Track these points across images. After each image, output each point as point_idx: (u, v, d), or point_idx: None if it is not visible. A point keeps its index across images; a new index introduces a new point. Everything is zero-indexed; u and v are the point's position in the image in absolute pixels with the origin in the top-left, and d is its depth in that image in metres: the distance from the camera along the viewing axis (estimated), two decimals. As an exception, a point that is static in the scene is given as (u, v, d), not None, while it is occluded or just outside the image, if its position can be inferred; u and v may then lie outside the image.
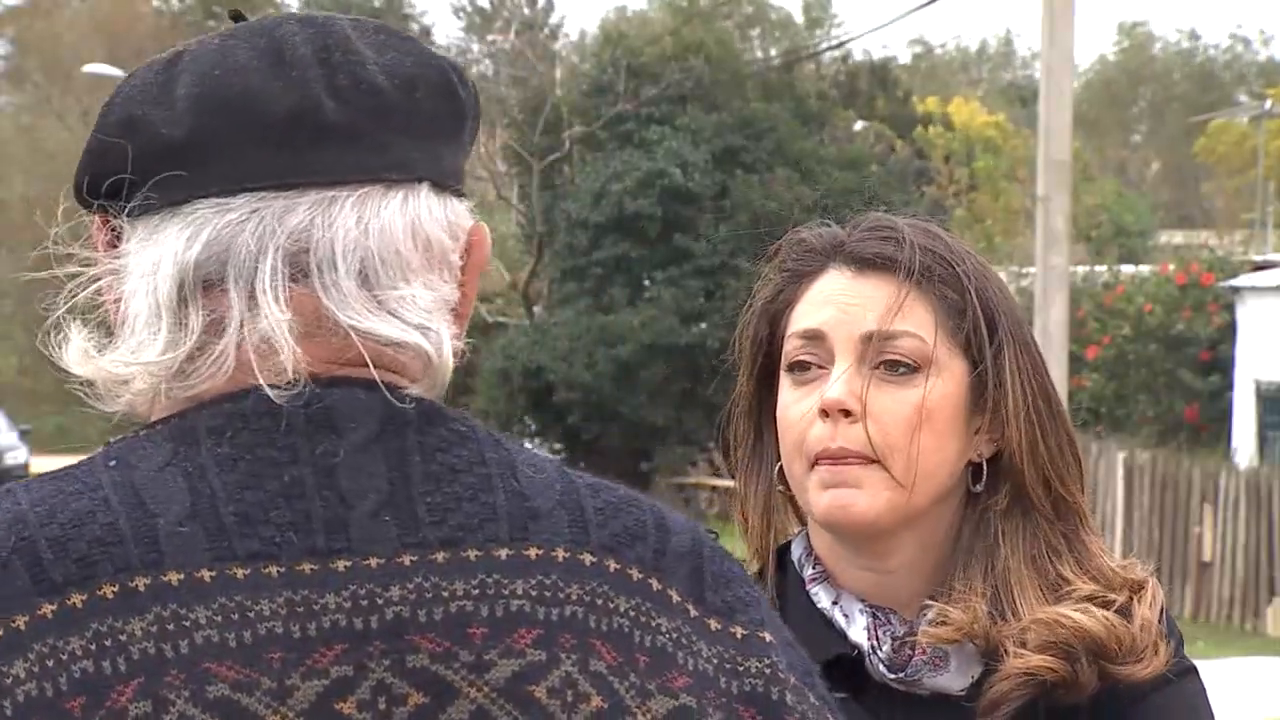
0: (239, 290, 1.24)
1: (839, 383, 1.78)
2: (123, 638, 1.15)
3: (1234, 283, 22.40)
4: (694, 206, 28.18)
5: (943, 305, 1.80)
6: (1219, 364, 22.36)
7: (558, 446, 29.64)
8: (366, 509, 1.21)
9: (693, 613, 1.27)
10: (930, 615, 1.81)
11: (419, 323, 1.27)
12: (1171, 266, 24.42)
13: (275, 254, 1.24)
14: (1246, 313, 22.01)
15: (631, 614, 1.24)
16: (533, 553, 1.23)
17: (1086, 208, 33.01)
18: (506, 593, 1.21)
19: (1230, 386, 22.19)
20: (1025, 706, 1.77)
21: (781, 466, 1.86)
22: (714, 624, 1.27)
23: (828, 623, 1.84)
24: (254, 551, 1.18)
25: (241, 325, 1.24)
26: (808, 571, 1.87)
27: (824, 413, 1.78)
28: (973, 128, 35.73)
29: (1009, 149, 35.47)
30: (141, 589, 1.16)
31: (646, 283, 28.60)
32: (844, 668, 1.81)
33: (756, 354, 1.89)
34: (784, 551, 1.92)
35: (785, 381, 1.84)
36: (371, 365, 1.25)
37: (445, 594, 1.20)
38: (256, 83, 1.26)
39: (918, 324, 1.79)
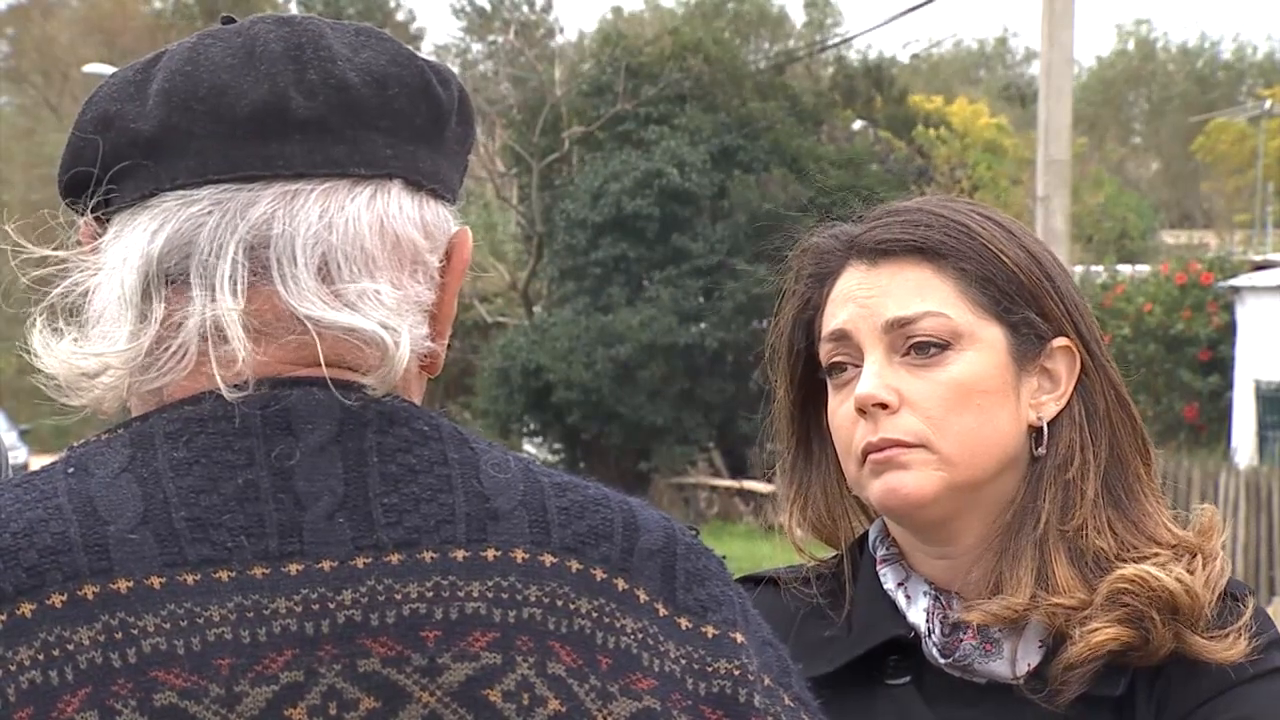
0: (201, 284, 1.24)
1: (868, 377, 1.76)
2: (70, 647, 1.15)
3: (1234, 283, 22.41)
4: (692, 206, 28.19)
5: (963, 276, 1.77)
6: (1218, 364, 22.36)
7: (557, 446, 29.64)
8: (321, 511, 1.20)
9: (662, 612, 1.25)
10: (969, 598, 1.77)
11: (380, 318, 1.25)
12: (1171, 266, 24.41)
13: (236, 247, 1.24)
14: (1246, 313, 22.01)
15: (594, 615, 1.22)
16: (490, 554, 1.21)
17: (1089, 208, 33.00)
18: (461, 595, 1.19)
19: (1230, 386, 22.20)
20: (1107, 680, 1.71)
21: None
22: (684, 623, 1.26)
23: (892, 605, 1.82)
24: (205, 557, 1.17)
25: (203, 317, 1.24)
26: (880, 553, 1.85)
27: (860, 410, 1.76)
28: (973, 129, 35.67)
29: (1012, 149, 35.43)
30: (90, 597, 1.16)
31: (645, 282, 28.60)
32: (904, 651, 1.79)
33: (796, 364, 1.87)
34: (865, 537, 1.90)
35: (829, 387, 1.82)
36: (329, 363, 1.24)
37: (398, 597, 1.18)
38: (226, 78, 1.26)
39: (939, 301, 1.77)
